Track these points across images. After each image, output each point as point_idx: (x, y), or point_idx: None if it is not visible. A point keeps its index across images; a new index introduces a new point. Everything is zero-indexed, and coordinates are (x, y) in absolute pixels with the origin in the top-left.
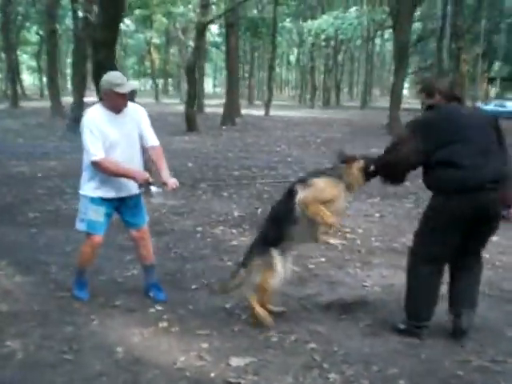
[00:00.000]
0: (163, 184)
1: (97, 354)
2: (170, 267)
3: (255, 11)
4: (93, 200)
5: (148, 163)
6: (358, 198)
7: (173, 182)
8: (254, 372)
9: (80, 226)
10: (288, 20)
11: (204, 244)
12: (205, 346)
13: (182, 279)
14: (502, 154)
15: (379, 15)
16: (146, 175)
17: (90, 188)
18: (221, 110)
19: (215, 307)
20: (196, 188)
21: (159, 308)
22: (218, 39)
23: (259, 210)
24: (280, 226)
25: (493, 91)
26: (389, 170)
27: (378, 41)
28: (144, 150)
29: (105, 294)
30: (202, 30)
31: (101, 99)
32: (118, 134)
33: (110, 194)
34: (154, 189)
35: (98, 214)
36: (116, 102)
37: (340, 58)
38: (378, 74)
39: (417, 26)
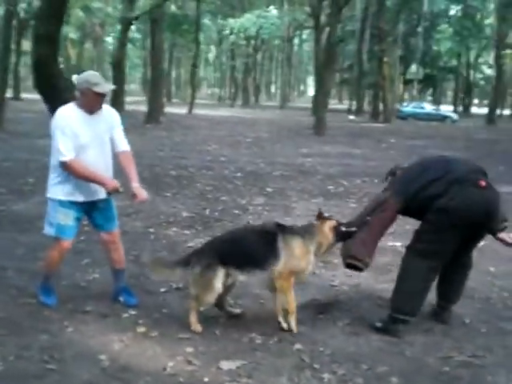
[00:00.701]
0: (132, 195)
1: (81, 362)
2: (132, 270)
3: (173, 7)
4: (62, 203)
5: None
6: (301, 197)
7: (144, 195)
8: (247, 375)
9: (49, 230)
10: (207, 18)
11: (160, 246)
12: (190, 350)
13: (147, 282)
14: None
15: (300, 15)
16: (116, 183)
17: (58, 191)
18: (140, 108)
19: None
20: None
21: (132, 312)
22: (137, 35)
23: (207, 211)
24: (246, 259)
25: (409, 93)
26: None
27: (296, 41)
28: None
29: (72, 300)
30: (127, 25)
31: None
32: (89, 136)
33: (80, 197)
34: None
35: (67, 218)
36: (93, 101)
37: (259, 57)
38: (295, 74)
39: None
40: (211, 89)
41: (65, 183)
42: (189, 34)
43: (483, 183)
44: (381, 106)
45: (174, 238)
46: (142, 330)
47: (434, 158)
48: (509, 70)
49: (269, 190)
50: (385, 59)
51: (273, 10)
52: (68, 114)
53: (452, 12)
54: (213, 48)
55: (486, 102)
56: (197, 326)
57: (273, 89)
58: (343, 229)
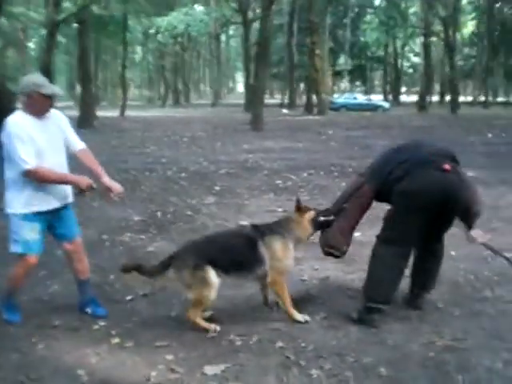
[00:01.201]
0: (107, 190)
1: (59, 380)
2: (94, 280)
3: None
4: (26, 217)
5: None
6: (252, 194)
7: (119, 187)
8: (234, 378)
9: (15, 248)
10: (131, 18)
11: (118, 252)
12: (170, 357)
13: (111, 291)
14: None
15: (228, 11)
16: (89, 180)
17: (20, 204)
18: (71, 113)
19: (160, 317)
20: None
21: (102, 323)
22: (61, 39)
23: (159, 213)
24: (232, 262)
25: (338, 85)
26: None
27: (223, 37)
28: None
29: (36, 315)
30: (53, 28)
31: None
32: (44, 141)
33: (43, 206)
34: None
35: (33, 232)
36: (41, 104)
37: (187, 55)
38: (224, 71)
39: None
40: (138, 90)
41: (26, 195)
42: (115, 35)
43: (447, 166)
44: (314, 99)
45: (131, 244)
46: (116, 340)
47: (407, 142)
48: (435, 57)
49: (217, 188)
50: (316, 52)
51: (199, 7)
52: (21, 121)
53: (377, 2)
54: (138, 48)
55: (414, 90)
56: (211, 326)
57: (202, 87)
58: (321, 219)
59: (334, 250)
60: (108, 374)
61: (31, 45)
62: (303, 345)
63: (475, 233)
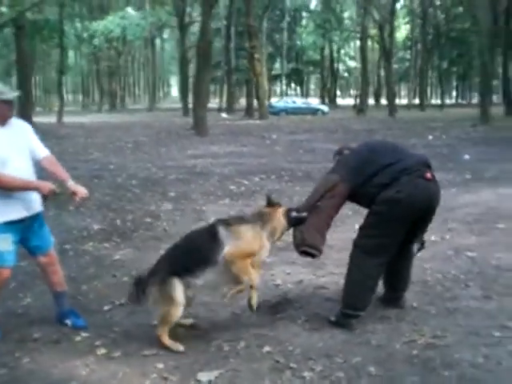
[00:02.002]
0: (72, 194)
1: None
2: (67, 291)
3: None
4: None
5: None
6: (208, 200)
7: (83, 190)
8: (229, 383)
9: None
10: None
11: (85, 262)
12: (161, 366)
13: (87, 302)
14: None
15: (164, 15)
16: (51, 185)
17: None
18: None
19: (142, 326)
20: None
21: (84, 335)
22: None
23: (118, 221)
24: (195, 262)
25: (273, 89)
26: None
27: (157, 41)
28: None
29: (15, 329)
30: None
31: None
32: (7, 149)
33: (13, 215)
34: None
35: (6, 243)
36: (2, 111)
37: (122, 60)
38: (159, 75)
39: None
40: (72, 95)
41: (2, 204)
42: (50, 39)
43: (429, 175)
44: (254, 103)
45: (96, 253)
46: (102, 351)
47: (381, 142)
48: (370, 60)
49: (172, 194)
50: (256, 56)
51: (133, 11)
52: None
53: (312, 6)
54: (71, 53)
55: (350, 92)
56: (177, 346)
57: (137, 91)
58: (294, 214)
59: (313, 249)
60: None
61: None
62: (290, 348)
63: None
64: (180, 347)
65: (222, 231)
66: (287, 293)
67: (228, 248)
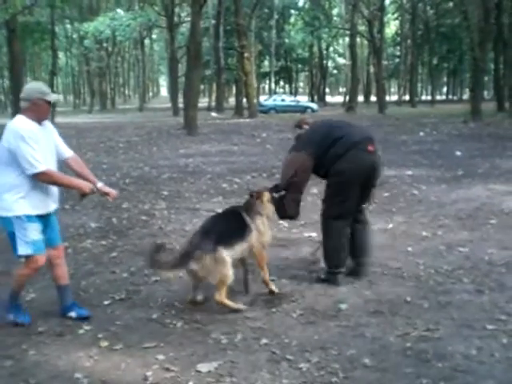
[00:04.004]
0: (105, 194)
1: None
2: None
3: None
4: (29, 218)
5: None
6: (201, 198)
7: (114, 191)
8: (228, 374)
9: (26, 250)
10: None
11: (83, 259)
12: (161, 357)
13: (88, 297)
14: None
15: (153, 16)
16: (91, 185)
17: (24, 206)
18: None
19: (142, 319)
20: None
21: (87, 328)
22: None
23: (114, 220)
24: (233, 236)
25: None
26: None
27: (146, 42)
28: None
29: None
30: None
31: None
32: (45, 146)
33: (43, 209)
34: None
35: (37, 232)
36: (45, 111)
37: (112, 60)
38: (148, 75)
39: (185, 25)
40: (61, 95)
41: (29, 198)
42: (42, 41)
43: (371, 148)
44: (244, 102)
45: (94, 250)
46: (105, 344)
47: (335, 120)
48: (359, 57)
49: (165, 193)
50: (245, 54)
51: (122, 12)
52: (27, 126)
53: (301, 3)
54: (61, 54)
55: (339, 90)
56: (238, 305)
57: (127, 91)
58: (276, 195)
59: (292, 219)
60: (106, 377)
61: None
62: (287, 341)
63: None
64: (242, 306)
65: (245, 217)
66: (282, 287)
67: (254, 237)
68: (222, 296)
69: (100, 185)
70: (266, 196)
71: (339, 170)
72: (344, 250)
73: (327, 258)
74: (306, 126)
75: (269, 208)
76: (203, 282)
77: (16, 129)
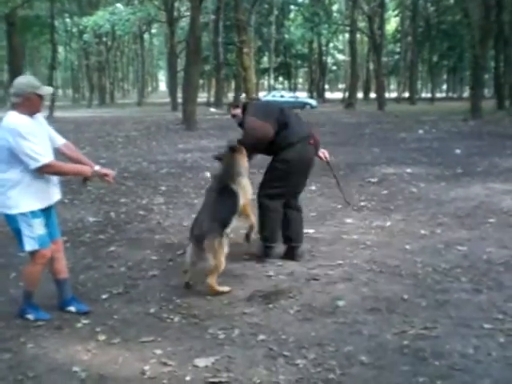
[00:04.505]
0: (104, 175)
1: (57, 377)
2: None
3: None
4: (34, 214)
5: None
6: (199, 194)
7: (111, 171)
8: (225, 369)
9: (32, 245)
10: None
11: (82, 253)
12: (159, 352)
13: (85, 291)
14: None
15: (153, 10)
16: (93, 168)
17: (28, 203)
18: None
19: (140, 314)
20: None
21: (85, 321)
22: None
23: (112, 214)
24: (230, 215)
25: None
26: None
27: (146, 36)
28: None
29: (17, 315)
30: None
31: None
32: (43, 138)
33: (45, 202)
34: None
35: (42, 227)
36: (37, 105)
37: (111, 55)
38: (147, 70)
39: (185, 20)
40: (61, 90)
41: (33, 193)
42: (42, 35)
43: (312, 142)
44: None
45: (92, 244)
46: (102, 337)
47: (286, 108)
48: (359, 54)
49: (163, 188)
50: (245, 50)
51: (122, 6)
52: (23, 121)
53: None
54: (60, 48)
55: (339, 86)
56: (224, 288)
57: (126, 86)
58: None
59: None
60: (104, 370)
61: None
62: (284, 337)
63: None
64: (227, 288)
65: (234, 187)
66: (279, 284)
67: (242, 200)
68: (213, 280)
69: (97, 167)
70: (240, 149)
71: (287, 158)
72: (278, 228)
73: (263, 233)
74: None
75: (245, 161)
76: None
77: (12, 126)
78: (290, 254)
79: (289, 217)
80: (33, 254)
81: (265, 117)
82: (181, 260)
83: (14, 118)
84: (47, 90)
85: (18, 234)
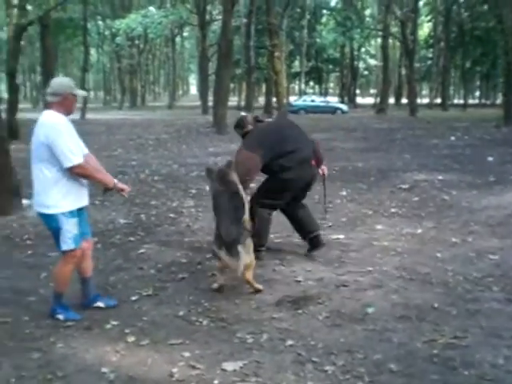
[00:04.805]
0: (120, 190)
1: (86, 378)
2: (95, 281)
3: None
4: (72, 213)
5: None
6: None
7: (128, 188)
8: (253, 374)
9: (68, 245)
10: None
11: (112, 254)
12: (187, 354)
13: (115, 292)
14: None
15: (185, 14)
16: (114, 180)
17: (67, 202)
18: (26, 116)
19: (169, 316)
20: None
21: (114, 323)
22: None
23: (143, 216)
24: (241, 213)
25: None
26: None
27: (177, 39)
28: None
29: (47, 316)
30: (20, 32)
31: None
32: (77, 140)
33: (81, 202)
34: (26, 202)
35: (76, 226)
36: (73, 105)
37: (143, 58)
38: (178, 73)
39: (216, 23)
40: (92, 92)
41: (71, 192)
42: (74, 37)
43: (313, 163)
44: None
45: (122, 246)
46: (131, 339)
47: (288, 124)
48: (391, 59)
49: (193, 191)
50: (276, 54)
51: (154, 10)
52: (62, 120)
53: (333, 3)
54: (93, 50)
55: (370, 91)
56: (259, 286)
57: (156, 88)
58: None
59: None
60: (132, 372)
61: None
62: (312, 343)
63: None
64: (261, 286)
65: (242, 194)
66: (308, 289)
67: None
68: (251, 276)
69: (116, 181)
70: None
71: (284, 178)
72: (266, 231)
73: (257, 237)
74: (250, 126)
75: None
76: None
77: (52, 123)
78: (316, 244)
79: (297, 217)
80: (66, 253)
81: (258, 146)
82: (209, 263)
83: (54, 117)
84: (82, 93)
85: (55, 233)
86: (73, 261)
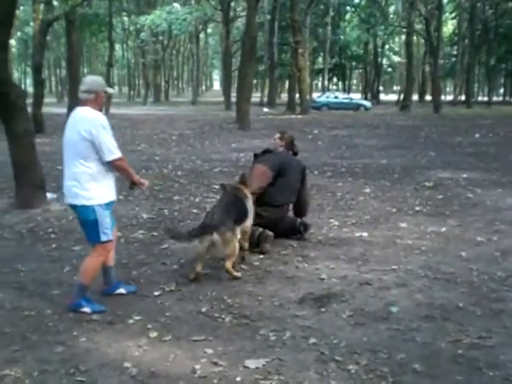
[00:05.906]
0: (140, 184)
1: (108, 372)
2: (118, 275)
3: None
4: (107, 206)
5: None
6: None
7: (147, 183)
8: (276, 372)
9: (106, 236)
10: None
11: (135, 249)
12: (210, 351)
13: (139, 287)
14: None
15: (209, 10)
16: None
17: (103, 195)
18: (59, 110)
19: (192, 312)
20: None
21: (137, 318)
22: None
23: (166, 211)
24: (241, 215)
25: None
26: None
27: (201, 35)
28: None
29: (71, 309)
30: (47, 27)
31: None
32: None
33: (114, 196)
34: (50, 195)
35: (109, 219)
36: (103, 102)
37: (167, 53)
38: (202, 69)
39: (240, 20)
40: (116, 87)
41: (106, 185)
42: (100, 32)
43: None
44: (296, 98)
45: (145, 241)
46: (154, 334)
47: (285, 157)
48: (415, 56)
49: (216, 187)
50: (299, 50)
51: (179, 6)
52: (101, 116)
53: (357, 0)
54: (117, 46)
55: (393, 88)
56: (238, 274)
57: (180, 84)
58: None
59: None
60: (154, 367)
61: (12, 42)
62: (335, 341)
63: None
64: (239, 274)
65: (246, 201)
66: (331, 287)
67: (250, 218)
68: (230, 265)
69: (137, 177)
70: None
71: (262, 215)
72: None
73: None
74: (281, 148)
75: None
76: (213, 253)
77: (94, 119)
78: (305, 228)
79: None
80: (99, 245)
81: (273, 168)
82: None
83: (93, 112)
84: (112, 91)
85: (91, 225)
86: (105, 253)
